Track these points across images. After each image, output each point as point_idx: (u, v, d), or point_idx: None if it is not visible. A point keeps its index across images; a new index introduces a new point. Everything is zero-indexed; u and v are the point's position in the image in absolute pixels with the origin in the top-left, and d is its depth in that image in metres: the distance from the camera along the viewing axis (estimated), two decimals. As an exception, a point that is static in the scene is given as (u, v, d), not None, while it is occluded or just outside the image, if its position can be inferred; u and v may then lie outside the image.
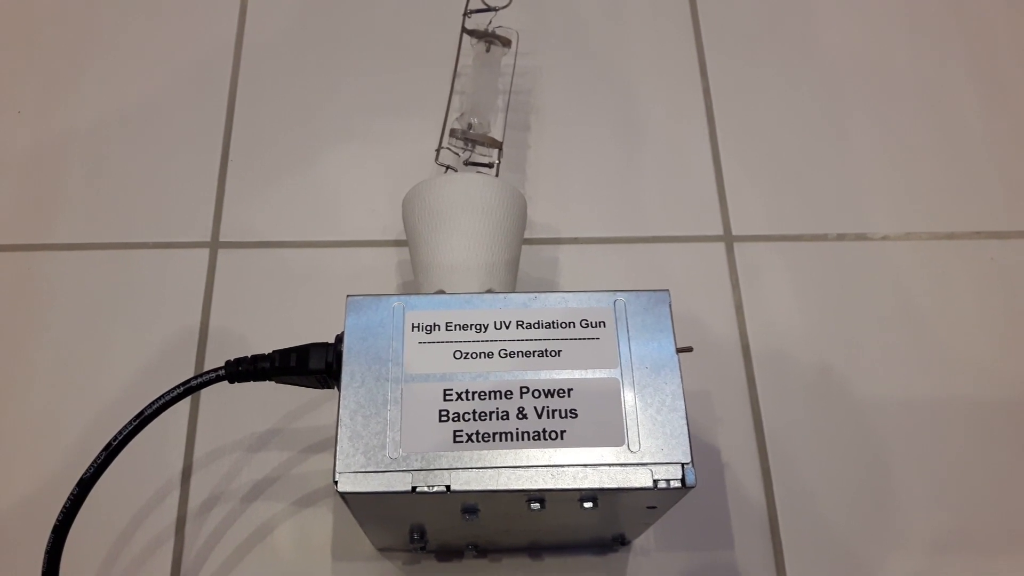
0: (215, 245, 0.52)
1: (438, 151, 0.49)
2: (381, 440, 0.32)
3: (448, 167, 0.48)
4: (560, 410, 0.33)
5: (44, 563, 0.36)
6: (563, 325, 0.35)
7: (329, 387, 0.37)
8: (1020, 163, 0.56)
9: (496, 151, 0.49)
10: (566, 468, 0.32)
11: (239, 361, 0.37)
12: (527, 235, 0.50)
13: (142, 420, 0.36)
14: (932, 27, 0.61)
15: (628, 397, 0.33)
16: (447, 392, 0.33)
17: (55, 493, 0.43)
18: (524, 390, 0.33)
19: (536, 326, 0.35)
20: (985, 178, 0.56)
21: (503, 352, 0.34)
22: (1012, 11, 0.62)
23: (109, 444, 0.36)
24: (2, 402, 0.47)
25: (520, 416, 0.33)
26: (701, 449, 0.47)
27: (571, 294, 0.35)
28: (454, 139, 0.49)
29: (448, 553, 0.44)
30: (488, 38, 0.52)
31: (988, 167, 0.56)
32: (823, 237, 0.54)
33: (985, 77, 0.59)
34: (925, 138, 0.57)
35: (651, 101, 0.58)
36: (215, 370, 0.37)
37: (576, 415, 0.33)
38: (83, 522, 0.36)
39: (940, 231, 0.54)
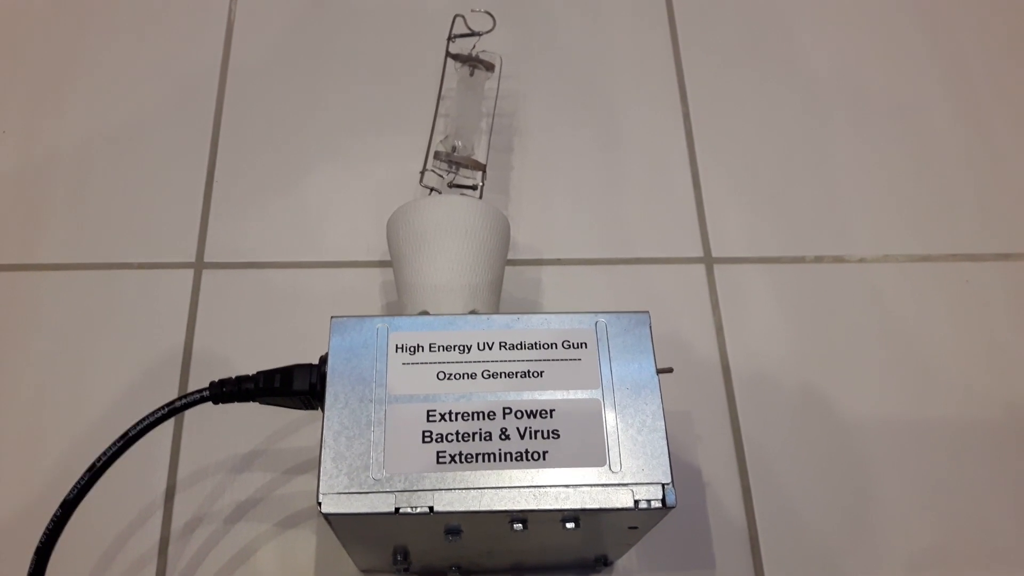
0: (200, 265, 0.52)
1: (422, 173, 0.49)
2: (365, 461, 0.32)
3: (432, 189, 0.49)
4: (542, 431, 0.33)
5: (26, 585, 0.36)
6: (545, 346, 0.35)
7: (313, 408, 0.37)
8: (994, 187, 0.57)
9: (480, 173, 0.49)
10: (548, 489, 0.32)
11: (223, 382, 0.37)
12: (510, 256, 0.51)
13: (126, 441, 0.36)
14: (909, 52, 0.63)
15: (609, 418, 0.33)
16: (430, 413, 0.33)
17: (38, 514, 0.42)
18: (507, 411, 0.33)
19: (519, 347, 0.35)
20: (960, 201, 0.57)
21: (486, 373, 0.34)
22: (987, 37, 0.63)
23: (93, 465, 0.36)
24: (-16, 423, 0.47)
25: (503, 437, 0.33)
26: (682, 469, 0.47)
27: (553, 315, 0.36)
28: (438, 161, 0.49)
29: (431, 574, 0.44)
30: (472, 62, 0.52)
31: (963, 190, 0.57)
32: (801, 259, 0.54)
33: (960, 103, 0.61)
34: (902, 162, 0.58)
35: (632, 124, 0.59)
36: (199, 391, 0.37)
37: (558, 436, 0.33)
38: (66, 543, 0.36)
39: (917, 253, 0.55)
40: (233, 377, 0.37)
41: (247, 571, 0.44)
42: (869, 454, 0.48)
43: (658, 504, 0.32)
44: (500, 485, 0.32)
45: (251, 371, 0.37)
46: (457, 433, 0.33)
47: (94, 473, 0.36)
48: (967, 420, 0.50)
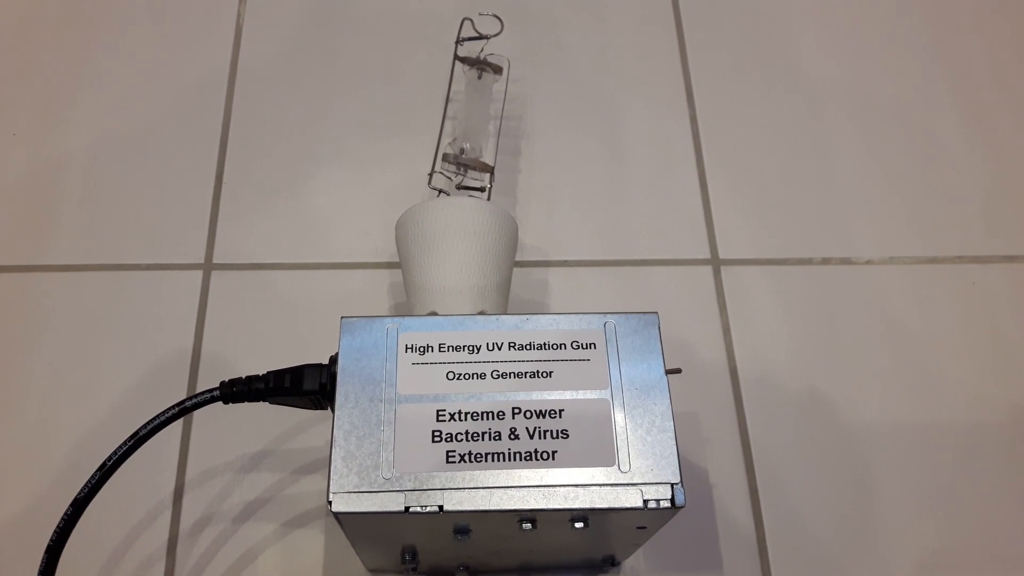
0: (208, 267, 0.53)
1: (431, 175, 0.50)
2: (375, 460, 0.32)
3: (440, 191, 0.49)
4: (551, 431, 0.33)
5: (37, 583, 0.36)
6: (554, 347, 0.35)
7: (323, 408, 0.37)
8: (999, 189, 0.58)
9: (488, 175, 0.49)
10: (557, 488, 0.32)
11: (234, 382, 0.37)
12: (518, 258, 0.51)
13: (137, 440, 0.36)
14: (914, 56, 0.63)
15: (618, 418, 0.34)
16: (440, 413, 0.33)
17: (48, 513, 0.43)
18: (516, 411, 0.34)
19: (528, 347, 0.35)
20: (966, 204, 0.57)
21: (495, 373, 0.35)
22: (991, 41, 0.63)
23: (104, 464, 0.36)
24: (-6, 423, 0.47)
25: (512, 437, 0.33)
26: (690, 470, 0.47)
27: (562, 316, 0.36)
28: (447, 163, 0.49)
29: (439, 574, 0.44)
30: (480, 65, 0.53)
31: (969, 192, 0.57)
32: (808, 261, 0.54)
33: (964, 106, 0.61)
34: (907, 164, 0.58)
35: (639, 127, 0.59)
36: (210, 391, 0.37)
37: (567, 436, 0.33)
38: (76, 542, 0.36)
39: (923, 256, 0.55)
40: (243, 377, 0.37)
41: (255, 570, 0.44)
42: (875, 456, 0.48)
43: (667, 504, 0.32)
44: (509, 484, 0.32)
45: (260, 371, 0.38)
46: (467, 433, 0.33)
47: (105, 472, 0.36)
48: (973, 422, 0.50)
